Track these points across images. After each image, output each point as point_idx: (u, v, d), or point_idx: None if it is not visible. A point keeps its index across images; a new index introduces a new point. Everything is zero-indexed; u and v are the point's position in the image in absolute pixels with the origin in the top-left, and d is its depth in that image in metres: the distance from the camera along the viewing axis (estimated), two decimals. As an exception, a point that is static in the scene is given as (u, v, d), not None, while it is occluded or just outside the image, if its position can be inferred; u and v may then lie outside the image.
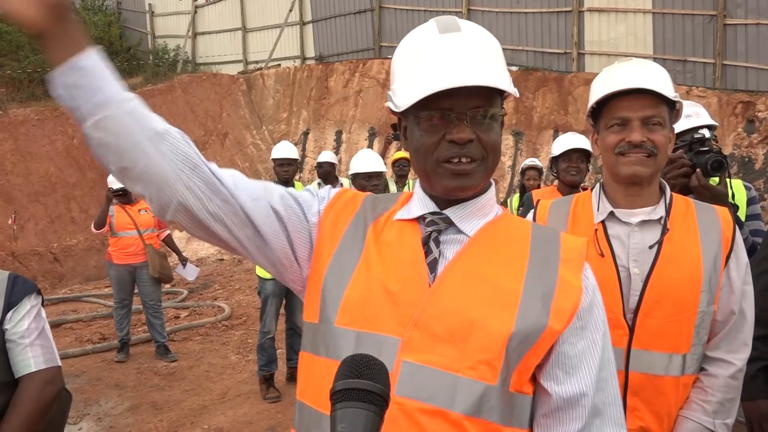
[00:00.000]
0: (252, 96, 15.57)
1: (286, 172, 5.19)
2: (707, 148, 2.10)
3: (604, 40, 11.97)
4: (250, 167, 14.21)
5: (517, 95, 1.09)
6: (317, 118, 14.65)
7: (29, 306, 1.77)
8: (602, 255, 1.61)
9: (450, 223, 1.10)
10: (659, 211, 1.63)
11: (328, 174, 5.94)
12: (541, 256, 1.08)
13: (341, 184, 6.04)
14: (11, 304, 1.73)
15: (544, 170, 8.39)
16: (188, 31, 17.79)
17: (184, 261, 6.59)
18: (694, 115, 2.46)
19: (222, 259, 11.56)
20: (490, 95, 1.06)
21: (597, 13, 12.02)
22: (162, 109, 14.13)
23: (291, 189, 1.18)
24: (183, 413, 4.80)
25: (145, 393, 5.25)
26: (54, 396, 1.76)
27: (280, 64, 16.03)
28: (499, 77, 1.04)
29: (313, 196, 1.18)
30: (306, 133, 14.72)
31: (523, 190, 6.60)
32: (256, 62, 16.71)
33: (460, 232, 1.10)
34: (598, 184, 1.74)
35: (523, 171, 6.90)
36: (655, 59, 11.37)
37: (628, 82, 1.56)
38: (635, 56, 11.69)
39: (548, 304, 1.03)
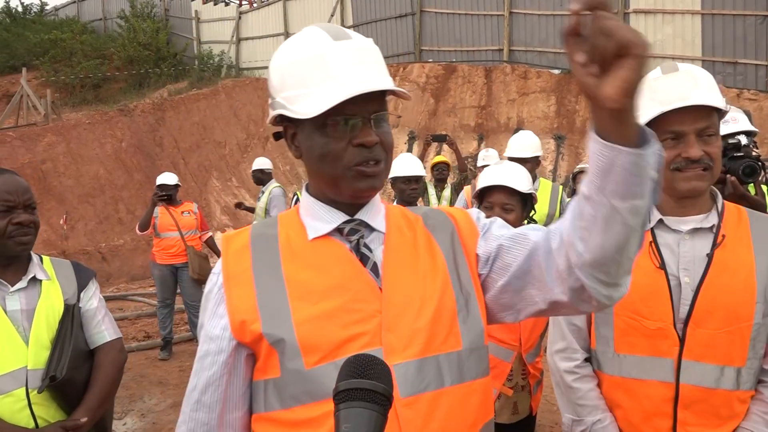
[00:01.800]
0: (293, 100, 15.78)
1: None
2: (742, 154, 2.02)
3: (651, 42, 11.68)
4: (291, 170, 14.39)
5: (410, 98, 1.11)
6: (357, 122, 14.74)
7: (94, 287, 2.06)
8: (660, 267, 1.56)
9: (366, 226, 1.15)
10: (711, 218, 1.58)
11: (260, 181, 6.68)
12: (437, 227, 1.19)
13: (262, 192, 6.75)
14: (81, 285, 2.01)
15: None
16: (232, 36, 18.16)
17: None
18: (731, 121, 2.38)
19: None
20: (383, 98, 1.10)
21: (643, 14, 11.75)
22: (206, 113, 14.46)
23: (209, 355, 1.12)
24: (223, 412, 4.89)
25: (187, 391, 5.36)
26: (125, 361, 2.11)
27: (321, 69, 16.19)
28: (391, 82, 1.10)
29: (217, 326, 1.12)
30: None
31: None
32: (298, 67, 16.92)
33: (374, 230, 1.16)
34: None
35: (575, 176, 6.75)
36: (704, 62, 11.06)
37: (683, 97, 1.48)
38: (683, 59, 11.41)
39: (464, 263, 1.15)
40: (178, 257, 6.19)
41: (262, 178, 6.62)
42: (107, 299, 9.07)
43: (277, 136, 1.18)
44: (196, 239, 6.34)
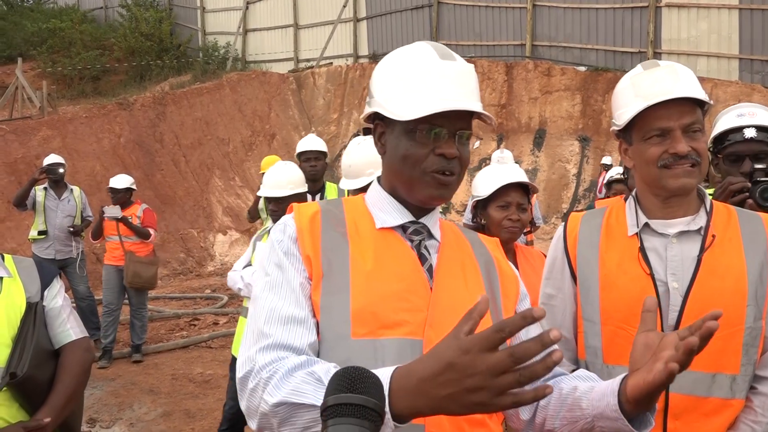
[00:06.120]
0: (302, 96, 15.90)
1: (313, 167, 4.63)
2: (766, 178, 2.02)
3: (684, 38, 11.66)
4: (298, 170, 14.50)
5: (495, 124, 1.32)
6: (369, 120, 14.83)
7: (58, 286, 2.12)
8: (649, 274, 1.60)
9: (427, 231, 1.33)
10: (699, 220, 1.62)
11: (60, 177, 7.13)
12: (484, 262, 1.37)
13: (71, 189, 7.17)
14: (45, 284, 2.07)
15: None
16: (239, 27, 18.35)
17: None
18: (747, 115, 2.27)
19: (265, 266, 11.80)
20: (470, 119, 1.27)
21: (676, 8, 11.72)
22: (209, 108, 14.63)
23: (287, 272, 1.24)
24: (216, 422, 4.92)
25: (179, 400, 5.44)
26: (92, 360, 2.15)
27: (332, 63, 16.32)
28: (481, 107, 1.27)
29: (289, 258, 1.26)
30: (356, 135, 14.93)
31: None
32: (307, 60, 17.08)
33: (432, 237, 1.34)
34: (631, 195, 1.73)
35: (609, 184, 6.40)
36: (741, 60, 11.01)
37: (667, 91, 1.54)
38: (719, 57, 11.32)
39: (499, 304, 1.33)
40: (123, 259, 6.46)
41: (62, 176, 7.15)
42: (100, 302, 9.24)
43: (366, 131, 1.36)
44: (138, 245, 6.53)
